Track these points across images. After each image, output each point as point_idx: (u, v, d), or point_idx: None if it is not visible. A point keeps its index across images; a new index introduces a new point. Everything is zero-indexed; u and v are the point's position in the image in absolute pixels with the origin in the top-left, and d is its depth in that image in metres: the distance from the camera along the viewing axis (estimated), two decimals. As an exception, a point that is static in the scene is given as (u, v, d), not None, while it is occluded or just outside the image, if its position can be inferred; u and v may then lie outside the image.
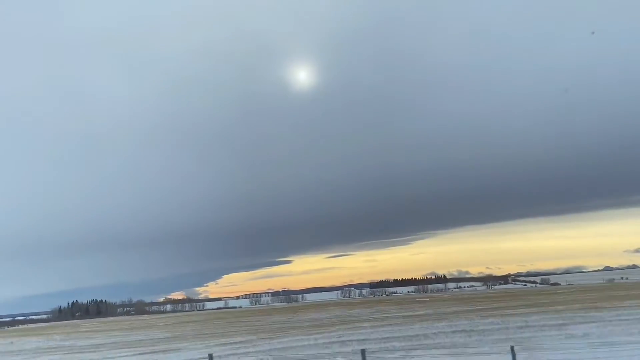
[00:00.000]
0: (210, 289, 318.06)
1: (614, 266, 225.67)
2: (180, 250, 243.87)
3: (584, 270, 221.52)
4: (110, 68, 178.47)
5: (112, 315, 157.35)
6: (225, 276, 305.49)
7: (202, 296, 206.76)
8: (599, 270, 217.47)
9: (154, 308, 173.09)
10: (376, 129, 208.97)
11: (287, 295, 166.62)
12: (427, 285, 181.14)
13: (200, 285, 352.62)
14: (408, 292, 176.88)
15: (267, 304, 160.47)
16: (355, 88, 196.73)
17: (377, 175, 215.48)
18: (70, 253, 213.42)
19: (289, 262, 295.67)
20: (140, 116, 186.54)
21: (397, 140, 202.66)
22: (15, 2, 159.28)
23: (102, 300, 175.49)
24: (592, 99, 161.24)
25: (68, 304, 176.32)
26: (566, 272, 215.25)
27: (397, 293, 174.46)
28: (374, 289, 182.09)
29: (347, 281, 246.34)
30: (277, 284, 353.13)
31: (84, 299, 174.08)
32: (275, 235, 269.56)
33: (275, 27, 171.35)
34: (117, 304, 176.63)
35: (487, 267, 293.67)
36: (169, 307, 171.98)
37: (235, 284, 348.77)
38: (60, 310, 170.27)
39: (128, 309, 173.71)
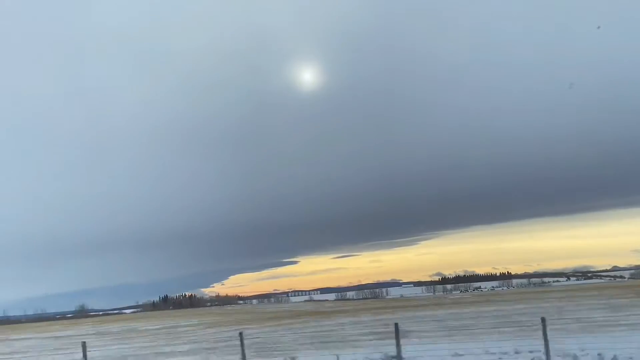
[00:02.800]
0: (217, 290, 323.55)
1: (622, 266, 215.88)
2: (186, 251, 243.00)
3: (592, 270, 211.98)
4: (119, 67, 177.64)
5: (203, 307, 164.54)
6: (232, 277, 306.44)
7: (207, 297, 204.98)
8: (607, 270, 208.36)
9: (241, 302, 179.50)
10: (382, 127, 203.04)
11: (372, 289, 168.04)
12: (511, 280, 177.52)
13: (206, 286, 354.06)
14: (492, 287, 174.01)
15: (353, 298, 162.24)
16: (361, 87, 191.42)
17: (383, 175, 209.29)
18: (77, 255, 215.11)
19: (295, 262, 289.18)
20: (148, 115, 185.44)
21: (404, 139, 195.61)
22: (24, 3, 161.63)
23: (192, 294, 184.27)
24: (600, 96, 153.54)
25: (159, 297, 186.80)
26: (574, 272, 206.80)
27: (480, 288, 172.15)
28: (458, 284, 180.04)
29: (353, 282, 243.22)
30: (284, 285, 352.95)
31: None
32: (282, 236, 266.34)
33: (282, 24, 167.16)
34: (206, 297, 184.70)
35: (494, 268, 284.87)
36: (255, 301, 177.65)
37: (241, 285, 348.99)
38: (154, 303, 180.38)
39: (215, 302, 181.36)
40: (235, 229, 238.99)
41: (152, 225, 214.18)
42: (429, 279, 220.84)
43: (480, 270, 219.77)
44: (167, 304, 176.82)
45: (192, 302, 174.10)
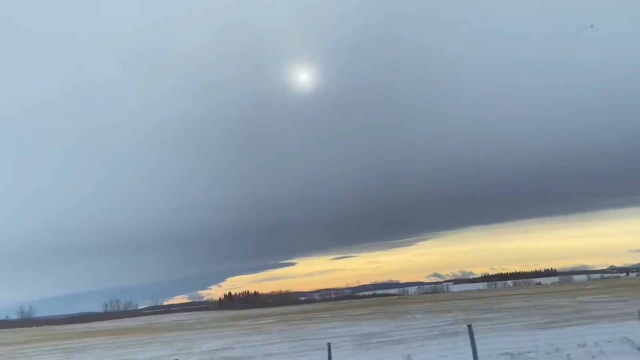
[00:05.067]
0: (214, 292, 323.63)
1: (618, 265, 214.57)
2: (183, 253, 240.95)
3: (589, 270, 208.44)
4: (118, 67, 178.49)
5: (265, 306, 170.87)
6: (229, 279, 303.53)
7: (205, 299, 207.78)
8: (603, 270, 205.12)
9: (303, 297, 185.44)
10: (380, 128, 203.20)
11: (434, 285, 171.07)
12: (571, 275, 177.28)
13: (203, 288, 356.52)
14: (552, 282, 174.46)
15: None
16: (359, 87, 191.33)
17: (381, 176, 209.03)
18: (71, 257, 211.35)
19: (292, 264, 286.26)
20: (146, 115, 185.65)
21: (401, 139, 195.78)
22: (24, 3, 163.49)
23: (255, 291, 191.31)
24: (595, 96, 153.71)
25: (224, 295, 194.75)
26: (571, 271, 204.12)
27: (540, 284, 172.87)
28: (517, 280, 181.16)
29: (351, 283, 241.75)
30: (281, 286, 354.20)
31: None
32: (279, 237, 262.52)
33: (280, 24, 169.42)
34: (267, 294, 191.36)
35: (491, 268, 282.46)
36: (317, 296, 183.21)
37: (238, 287, 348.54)
38: (219, 301, 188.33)
39: (277, 299, 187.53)
40: (233, 230, 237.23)
41: (148, 227, 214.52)
42: (426, 280, 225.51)
43: (477, 271, 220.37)
44: (232, 302, 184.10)
45: (257, 299, 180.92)
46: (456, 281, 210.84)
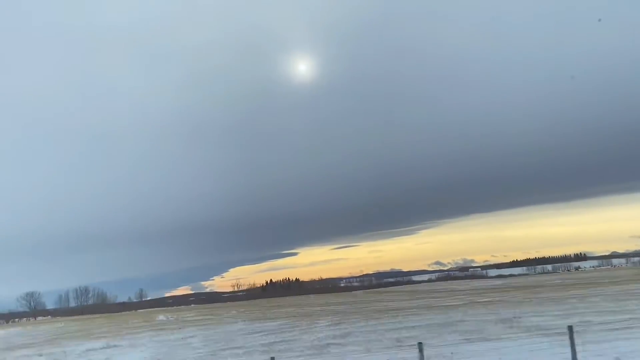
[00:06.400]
0: (216, 283, 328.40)
1: (620, 251, 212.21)
2: (186, 245, 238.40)
3: (590, 256, 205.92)
4: (124, 65, 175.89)
5: (306, 293, 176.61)
6: (232, 269, 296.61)
7: (208, 290, 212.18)
8: (605, 256, 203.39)
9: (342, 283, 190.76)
10: (381, 118, 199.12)
11: (472, 271, 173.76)
12: (611, 259, 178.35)
13: (206, 279, 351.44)
14: (592, 266, 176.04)
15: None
16: (361, 77, 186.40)
17: (382, 165, 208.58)
18: (77, 249, 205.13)
19: (294, 254, 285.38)
20: (149, 113, 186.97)
21: (402, 129, 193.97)
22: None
23: (296, 279, 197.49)
24: (598, 84, 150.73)
25: (266, 282, 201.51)
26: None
27: (580, 268, 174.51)
28: (557, 264, 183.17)
29: (354, 272, 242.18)
30: (284, 276, 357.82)
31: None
32: (281, 228, 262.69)
33: (280, 15, 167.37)
34: (307, 281, 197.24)
35: (493, 255, 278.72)
36: (356, 283, 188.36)
37: (241, 277, 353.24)
38: (263, 288, 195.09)
39: (317, 286, 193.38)
40: (234, 221, 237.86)
41: (149, 220, 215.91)
42: (429, 268, 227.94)
43: (479, 259, 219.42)
44: (275, 288, 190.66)
45: (300, 286, 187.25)
46: (491, 267, 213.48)
